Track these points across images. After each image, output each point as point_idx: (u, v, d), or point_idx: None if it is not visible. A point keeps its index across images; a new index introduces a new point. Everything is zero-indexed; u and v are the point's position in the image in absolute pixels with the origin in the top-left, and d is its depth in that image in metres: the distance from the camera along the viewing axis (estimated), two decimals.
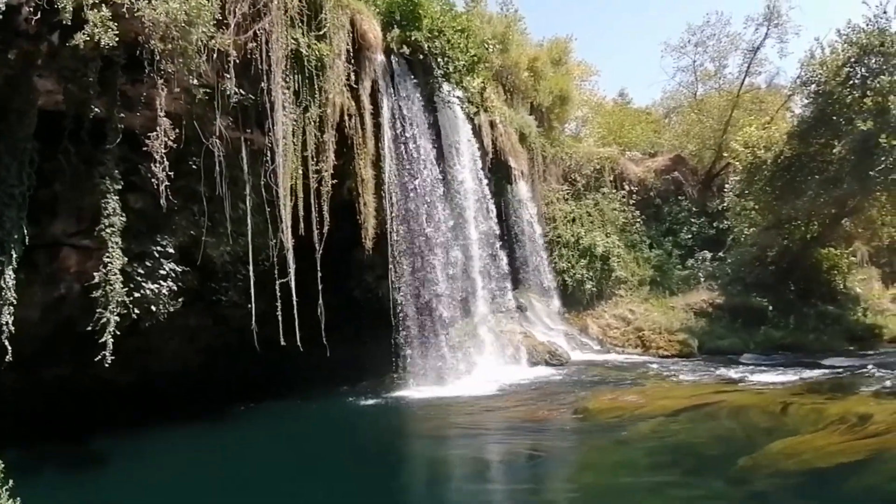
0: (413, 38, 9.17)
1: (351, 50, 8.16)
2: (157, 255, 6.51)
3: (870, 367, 8.86)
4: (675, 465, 5.41)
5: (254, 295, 6.93)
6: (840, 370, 9.22)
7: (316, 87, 7.51)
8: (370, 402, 8.28)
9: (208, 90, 6.29)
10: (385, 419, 7.74)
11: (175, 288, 6.67)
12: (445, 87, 9.98)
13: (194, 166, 6.60)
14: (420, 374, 9.06)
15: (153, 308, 6.41)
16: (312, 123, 7.52)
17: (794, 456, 5.14)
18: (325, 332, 7.51)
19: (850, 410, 6.27)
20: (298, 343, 7.09)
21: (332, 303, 7.78)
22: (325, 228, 7.73)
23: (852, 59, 11.75)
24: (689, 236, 16.43)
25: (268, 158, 7.15)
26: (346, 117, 8.21)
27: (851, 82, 11.69)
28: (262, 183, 7.18)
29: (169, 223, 6.65)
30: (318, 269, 7.58)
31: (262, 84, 6.95)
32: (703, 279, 14.96)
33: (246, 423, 7.47)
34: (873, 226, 13.52)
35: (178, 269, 6.71)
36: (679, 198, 17.39)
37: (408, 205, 9.28)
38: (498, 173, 12.24)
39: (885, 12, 11.57)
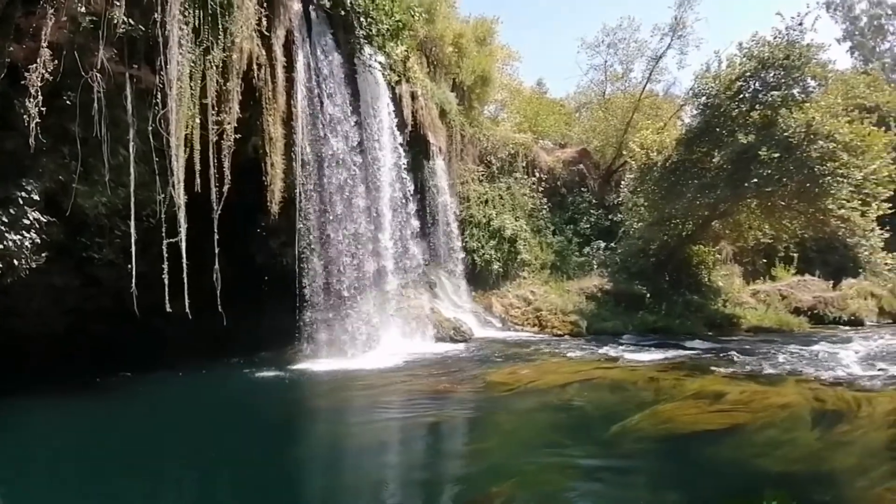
0: None
1: None
2: (20, 203, 5.59)
3: (732, 352, 10.08)
4: (558, 432, 5.85)
5: (135, 254, 6.17)
6: (699, 352, 10.47)
7: (220, 27, 6.72)
8: (268, 374, 7.88)
9: (94, 18, 5.63)
10: (283, 392, 7.42)
11: (38, 241, 5.74)
12: (367, 49, 9.52)
13: (69, 102, 5.77)
14: (324, 346, 8.79)
15: (15, 262, 5.52)
16: (214, 68, 6.74)
17: (657, 424, 5.79)
18: (222, 300, 6.95)
19: (706, 387, 7.15)
20: (187, 310, 6.48)
21: (230, 268, 7.19)
22: (226, 187, 7.06)
23: (748, 74, 12.76)
24: (588, 226, 17.64)
25: (158, 101, 6.31)
26: (256, 67, 7.49)
27: (741, 96, 12.84)
28: (151, 129, 6.34)
29: (36, 166, 5.74)
30: (216, 230, 6.94)
31: (156, 15, 6.11)
32: (596, 266, 16.19)
33: (124, 393, 6.77)
34: (740, 229, 15.33)
35: (42, 218, 5.78)
36: (582, 189, 18.55)
37: (320, 169, 8.80)
38: (416, 147, 12.06)
39: (800, 24, 12.44)
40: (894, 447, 5.04)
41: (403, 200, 10.98)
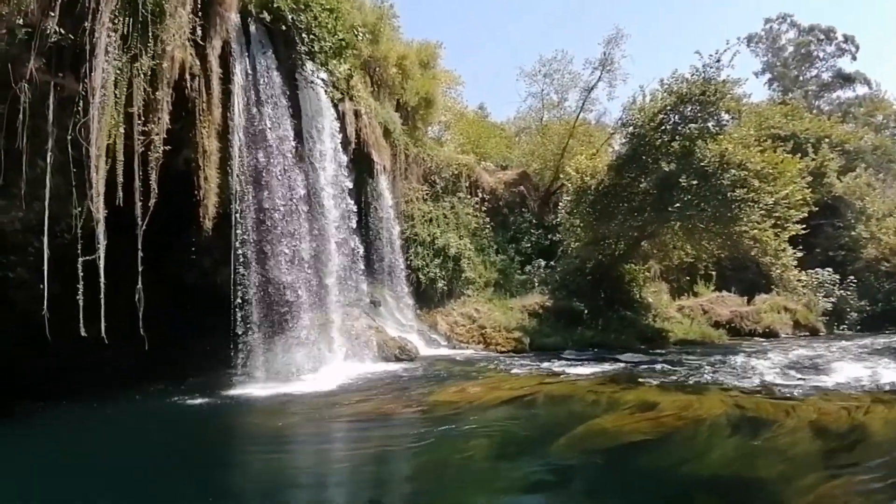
0: (276, 6, 8.43)
1: (199, 1, 7.18)
2: None
3: (662, 364, 10.63)
4: (504, 449, 5.86)
5: (47, 272, 5.61)
6: (633, 365, 10.91)
7: (150, 34, 6.41)
8: (199, 401, 7.32)
9: (30, 29, 5.55)
10: (216, 420, 6.90)
11: None
12: (309, 65, 9.39)
13: None
14: (262, 370, 8.32)
15: None
16: (142, 76, 6.39)
17: (598, 436, 5.95)
18: (148, 322, 6.44)
19: (641, 399, 7.43)
20: (103, 334, 5.94)
21: (156, 288, 6.71)
22: (152, 201, 6.63)
23: (668, 107, 13.72)
24: (529, 245, 18.19)
25: (80, 109, 5.90)
26: (189, 77, 7.17)
27: (663, 128, 13.80)
28: (70, 138, 5.90)
29: None
30: (140, 247, 6.47)
31: (86, 23, 5.88)
32: (537, 284, 16.68)
33: (39, 425, 6.12)
34: (666, 249, 16.36)
35: None
36: (523, 210, 19.16)
37: (258, 185, 8.46)
38: (359, 165, 11.96)
39: (718, 61, 13.34)
40: (817, 453, 5.36)
41: (346, 218, 10.78)
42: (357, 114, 11.73)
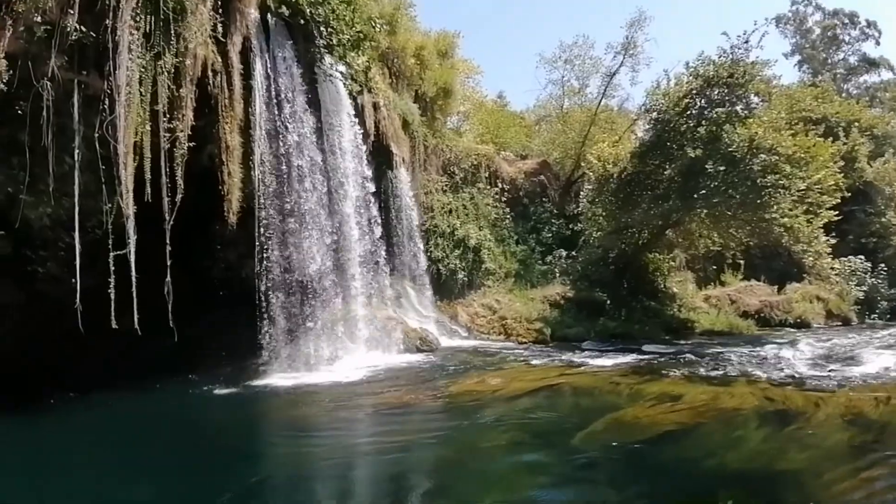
0: (294, 0, 8.48)
1: None
2: None
3: (687, 355, 10.34)
4: (525, 442, 5.83)
5: (79, 267, 5.82)
6: (657, 356, 10.71)
7: (173, 32, 6.52)
8: (226, 391, 7.53)
9: (49, 27, 5.63)
10: (241, 410, 7.10)
11: None
12: (328, 59, 9.43)
13: (20, 112, 5.64)
14: (286, 361, 8.50)
15: None
16: (166, 73, 6.51)
17: (620, 428, 5.88)
18: (175, 315, 6.63)
19: (665, 390, 7.31)
20: (136, 327, 6.14)
21: (183, 281, 6.88)
22: (179, 196, 6.79)
23: (694, 91, 13.30)
24: (550, 235, 18.00)
25: (105, 107, 6.05)
26: (211, 73, 7.27)
27: (689, 112, 13.40)
28: (97, 136, 6.06)
29: None
30: (168, 242, 6.64)
31: (107, 21, 5.96)
32: (558, 274, 16.51)
33: (67, 415, 6.35)
34: (692, 237, 15.97)
35: None
36: (543, 199, 18.94)
37: (280, 178, 8.59)
38: (379, 157, 11.99)
39: (746, 42, 12.88)
40: (848, 445, 5.19)
41: (367, 210, 10.86)
42: (376, 106, 11.74)
